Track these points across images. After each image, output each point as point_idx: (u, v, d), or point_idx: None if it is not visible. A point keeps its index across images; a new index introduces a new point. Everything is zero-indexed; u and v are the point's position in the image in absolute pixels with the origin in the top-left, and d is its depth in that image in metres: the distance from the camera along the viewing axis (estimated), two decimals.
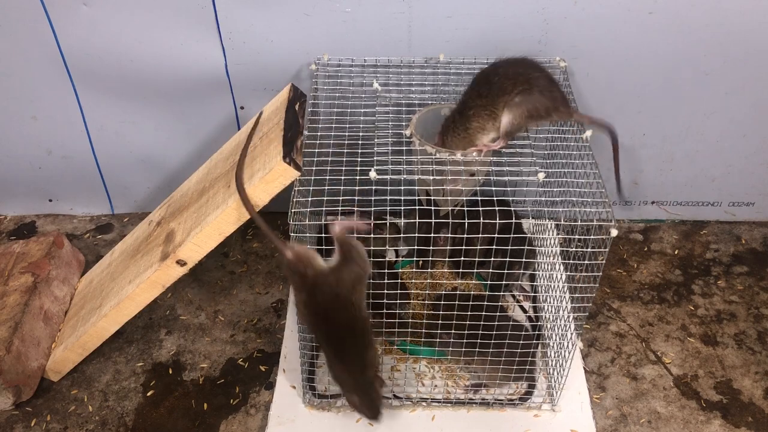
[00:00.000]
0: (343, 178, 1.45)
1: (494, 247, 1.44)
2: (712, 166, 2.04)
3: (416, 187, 1.71)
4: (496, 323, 1.48)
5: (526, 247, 1.74)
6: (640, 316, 1.88)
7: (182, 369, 1.78)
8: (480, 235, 1.65)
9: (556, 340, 1.64)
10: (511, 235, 1.58)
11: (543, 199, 1.45)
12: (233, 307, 1.93)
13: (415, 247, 1.92)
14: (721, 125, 1.95)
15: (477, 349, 1.52)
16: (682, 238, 2.13)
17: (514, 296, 1.86)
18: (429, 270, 1.89)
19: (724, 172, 2.06)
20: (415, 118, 1.67)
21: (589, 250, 1.36)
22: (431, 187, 1.61)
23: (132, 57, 1.86)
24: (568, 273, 1.68)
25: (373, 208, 1.52)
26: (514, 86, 1.52)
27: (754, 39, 1.78)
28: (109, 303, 1.69)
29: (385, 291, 1.51)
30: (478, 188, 1.65)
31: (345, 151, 1.51)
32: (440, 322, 1.61)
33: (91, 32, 1.82)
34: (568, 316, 1.56)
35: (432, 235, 1.76)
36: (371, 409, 1.48)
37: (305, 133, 1.55)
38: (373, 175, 1.41)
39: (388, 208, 1.41)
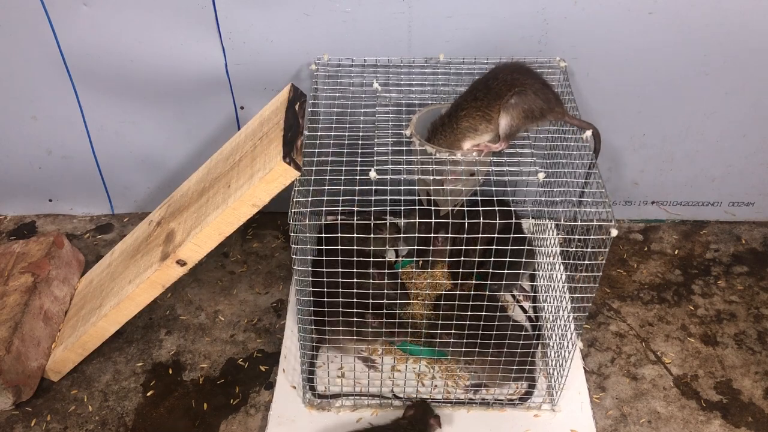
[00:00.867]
0: (343, 178, 1.45)
1: (494, 247, 1.44)
2: (712, 166, 2.04)
3: (416, 187, 1.71)
4: (496, 323, 1.48)
5: (526, 247, 1.74)
6: (640, 316, 1.88)
7: (182, 369, 1.78)
8: (480, 235, 1.65)
9: (556, 340, 1.64)
10: (511, 235, 1.58)
11: (543, 199, 1.45)
12: (233, 307, 1.93)
13: (415, 247, 1.93)
14: (721, 125, 1.95)
15: (477, 349, 1.52)
16: (682, 238, 2.13)
17: (514, 296, 1.86)
18: (429, 270, 1.89)
19: (724, 172, 2.06)
20: (415, 118, 1.68)
21: (589, 250, 1.36)
22: (431, 187, 1.61)
23: (132, 57, 1.87)
24: (568, 273, 1.68)
25: (373, 208, 1.52)
26: (509, 89, 1.53)
27: (754, 39, 1.78)
28: (109, 303, 1.69)
29: (386, 291, 1.52)
30: (478, 188, 1.65)
31: (345, 151, 1.51)
32: (440, 322, 1.61)
33: (91, 32, 1.82)
34: (568, 316, 1.56)
35: (432, 235, 1.76)
36: None
37: (305, 133, 1.55)
38: (373, 175, 1.41)
39: (388, 208, 1.41)
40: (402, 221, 1.97)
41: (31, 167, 2.13)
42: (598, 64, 1.83)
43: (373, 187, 1.41)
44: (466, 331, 1.49)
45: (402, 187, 1.42)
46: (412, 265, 1.94)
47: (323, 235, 1.86)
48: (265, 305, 1.93)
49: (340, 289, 1.45)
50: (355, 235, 1.73)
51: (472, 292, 1.82)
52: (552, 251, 1.84)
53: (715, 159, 2.03)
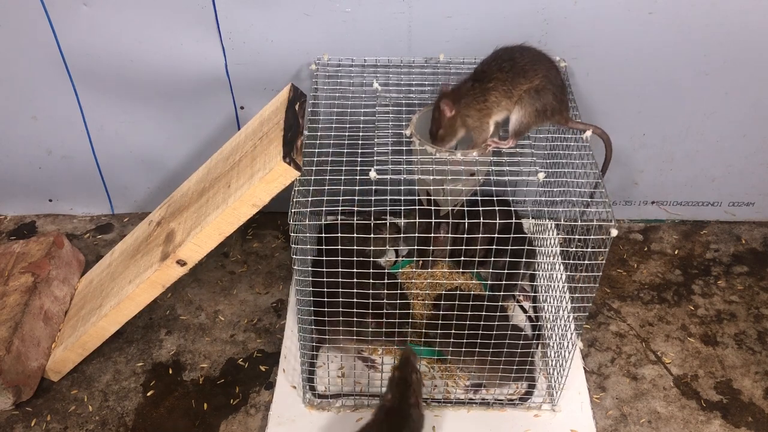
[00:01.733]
0: (343, 178, 1.45)
1: (494, 247, 1.44)
2: (712, 166, 2.04)
3: (416, 187, 1.71)
4: (496, 323, 1.48)
5: (526, 247, 1.74)
6: (640, 316, 1.88)
7: (182, 369, 1.78)
8: (480, 235, 1.65)
9: (556, 340, 1.64)
10: (512, 235, 1.58)
11: (543, 199, 1.45)
12: (233, 307, 1.93)
13: (415, 247, 1.93)
14: (721, 125, 1.95)
15: (477, 349, 1.52)
16: (682, 238, 2.13)
17: (514, 296, 1.86)
18: (429, 270, 1.89)
19: (724, 172, 2.06)
20: (415, 118, 1.68)
21: (589, 250, 1.36)
22: (431, 187, 1.61)
23: (132, 57, 1.86)
24: (568, 273, 1.68)
25: (373, 208, 1.52)
26: (535, 73, 1.52)
27: (754, 39, 1.77)
28: (109, 303, 1.69)
29: (385, 291, 1.52)
30: (478, 188, 1.65)
31: (345, 151, 1.51)
32: (440, 322, 1.61)
33: (91, 32, 1.82)
34: (568, 316, 1.56)
35: (432, 235, 1.76)
36: None
37: (305, 133, 1.55)
38: (373, 175, 1.41)
39: (388, 208, 1.41)
40: (402, 221, 1.97)
41: (31, 167, 2.13)
42: (598, 64, 1.83)
43: (373, 187, 1.41)
44: (466, 331, 1.49)
45: (402, 187, 1.42)
46: (412, 265, 1.94)
47: (323, 235, 1.87)
48: (265, 305, 1.93)
49: (340, 290, 1.45)
50: (355, 235, 1.73)
51: (472, 292, 1.82)
52: (552, 251, 1.84)
53: (715, 159, 2.03)
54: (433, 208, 1.63)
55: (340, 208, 1.42)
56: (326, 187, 1.44)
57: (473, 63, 1.77)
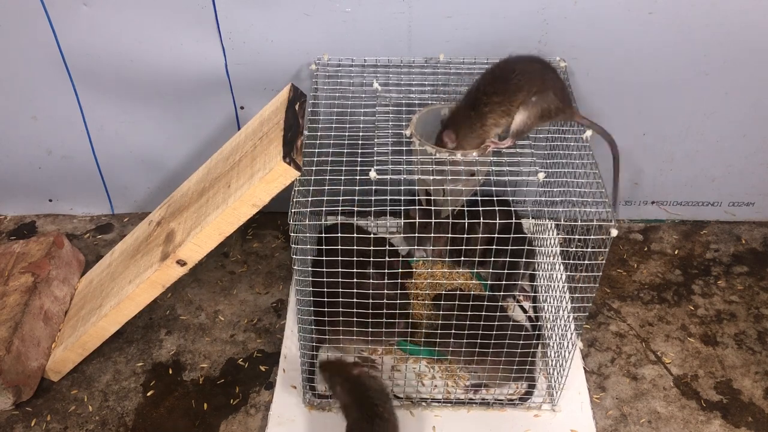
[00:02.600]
0: (343, 178, 1.45)
1: (494, 247, 1.44)
2: (712, 166, 2.04)
3: (416, 187, 1.71)
4: (496, 323, 1.48)
5: (526, 247, 1.74)
6: (640, 316, 1.88)
7: (182, 369, 1.78)
8: (480, 235, 1.65)
9: (556, 340, 1.64)
10: (511, 235, 1.58)
11: (543, 199, 1.45)
12: (233, 307, 1.93)
13: (415, 247, 1.93)
14: (721, 125, 1.95)
15: (477, 349, 1.52)
16: (682, 238, 2.13)
17: (514, 296, 1.86)
18: (429, 270, 1.89)
19: (724, 172, 2.06)
20: (415, 118, 1.68)
21: (589, 250, 1.36)
22: (431, 187, 1.61)
23: (132, 57, 1.86)
24: (568, 273, 1.68)
25: (373, 208, 1.52)
26: (531, 85, 1.52)
27: (754, 39, 1.78)
28: (109, 303, 1.69)
29: (385, 291, 1.52)
30: (478, 188, 1.65)
31: (345, 151, 1.51)
32: (440, 322, 1.61)
33: (91, 32, 1.82)
34: (568, 316, 1.56)
35: (432, 235, 1.76)
36: None
37: (305, 133, 1.55)
38: (373, 175, 1.41)
39: (388, 208, 1.41)
40: (402, 221, 1.97)
41: (31, 167, 2.13)
42: (598, 64, 1.83)
43: (373, 187, 1.41)
44: (466, 331, 1.49)
45: (402, 187, 1.42)
46: (413, 265, 1.94)
47: (323, 235, 1.86)
48: (265, 305, 1.93)
49: (340, 290, 1.45)
50: (355, 235, 1.73)
51: (472, 292, 1.82)
52: (552, 251, 1.84)
53: (715, 159, 2.03)
54: (433, 208, 1.63)
55: (340, 208, 1.42)
56: (326, 187, 1.44)
57: (473, 63, 1.78)
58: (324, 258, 1.43)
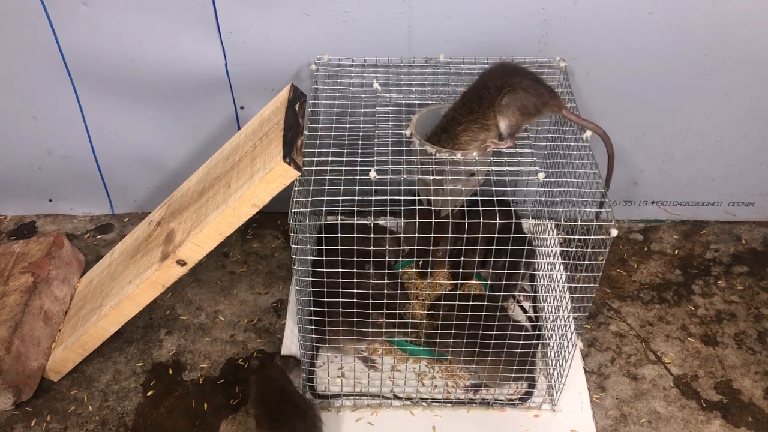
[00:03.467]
0: (343, 178, 1.45)
1: (494, 247, 1.44)
2: (712, 166, 2.04)
3: (416, 187, 1.71)
4: (496, 323, 1.48)
5: (526, 247, 1.74)
6: (640, 316, 1.88)
7: (182, 369, 1.78)
8: (480, 235, 1.65)
9: (556, 340, 1.64)
10: (511, 235, 1.58)
11: (543, 199, 1.45)
12: (233, 307, 1.93)
13: (415, 247, 1.92)
14: (721, 125, 1.95)
15: (477, 349, 1.52)
16: (682, 238, 2.13)
17: (514, 296, 1.86)
18: (429, 270, 1.89)
19: (724, 172, 2.06)
20: (415, 118, 1.68)
21: (589, 250, 1.36)
22: (431, 187, 1.61)
23: (132, 57, 1.86)
24: (568, 273, 1.68)
25: (373, 208, 1.52)
26: (499, 93, 1.54)
27: (754, 39, 1.78)
28: (109, 303, 1.69)
29: (386, 291, 1.52)
30: (478, 188, 1.65)
31: (345, 151, 1.51)
32: (440, 322, 1.61)
33: (91, 32, 1.82)
34: (568, 316, 1.56)
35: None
36: None
37: (305, 133, 1.56)
38: (373, 175, 1.41)
39: (388, 208, 1.41)
40: (402, 221, 1.97)
41: (31, 167, 2.13)
42: (598, 64, 1.83)
43: (373, 187, 1.41)
44: (466, 331, 1.49)
45: (402, 187, 1.42)
46: (412, 266, 1.94)
47: (323, 235, 1.86)
48: (265, 305, 1.93)
49: (340, 289, 1.45)
50: (355, 235, 1.73)
51: (473, 292, 1.82)
52: (552, 251, 1.84)
53: (715, 159, 2.03)
54: (433, 208, 1.63)
55: (340, 208, 1.42)
56: (326, 187, 1.44)
57: (473, 63, 1.78)
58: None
